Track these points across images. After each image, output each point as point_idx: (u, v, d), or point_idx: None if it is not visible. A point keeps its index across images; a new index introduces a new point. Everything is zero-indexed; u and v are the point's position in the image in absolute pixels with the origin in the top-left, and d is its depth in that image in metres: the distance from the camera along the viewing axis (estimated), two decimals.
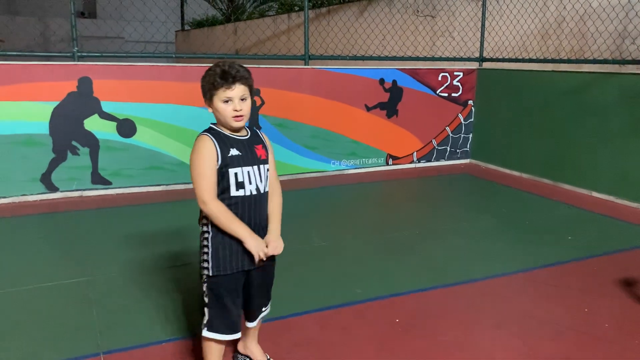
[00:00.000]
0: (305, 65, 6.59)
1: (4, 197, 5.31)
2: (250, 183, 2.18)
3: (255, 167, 2.20)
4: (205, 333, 2.26)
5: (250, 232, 2.15)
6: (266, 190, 2.26)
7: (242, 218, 2.17)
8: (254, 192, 2.19)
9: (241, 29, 15.47)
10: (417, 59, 7.59)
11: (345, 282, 3.57)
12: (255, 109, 6.23)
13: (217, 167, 2.12)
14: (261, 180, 2.22)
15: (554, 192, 5.98)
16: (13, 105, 5.23)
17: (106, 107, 5.58)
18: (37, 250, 4.14)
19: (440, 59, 7.63)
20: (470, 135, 7.56)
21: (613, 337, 2.91)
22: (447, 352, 2.75)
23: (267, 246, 2.20)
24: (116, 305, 3.24)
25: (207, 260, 2.20)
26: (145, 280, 3.60)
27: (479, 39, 7.71)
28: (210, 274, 2.20)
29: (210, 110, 2.20)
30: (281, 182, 2.41)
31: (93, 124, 5.55)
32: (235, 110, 2.13)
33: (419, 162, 7.35)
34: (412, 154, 7.29)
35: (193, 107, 5.92)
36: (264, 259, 2.18)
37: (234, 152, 2.15)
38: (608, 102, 5.70)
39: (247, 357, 2.58)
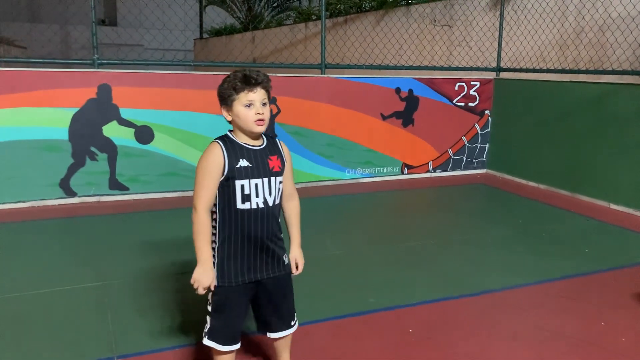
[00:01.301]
0: (321, 74, 6.62)
1: (24, 202, 5.39)
2: (257, 196, 2.13)
3: (266, 179, 2.15)
4: (205, 341, 2.25)
5: (205, 260, 2.12)
6: (276, 203, 2.20)
7: (248, 231, 2.14)
8: (261, 206, 2.13)
9: (259, 37, 15.60)
10: (434, 68, 7.59)
11: (359, 291, 3.56)
12: (271, 117, 6.25)
13: (223, 177, 2.10)
14: (270, 194, 2.16)
15: (571, 204, 5.92)
16: (34, 111, 5.33)
17: (125, 113, 5.65)
18: (55, 255, 4.20)
19: (457, 68, 7.62)
20: (487, 145, 7.52)
21: (630, 351, 2.87)
22: (460, 353, 2.72)
23: (296, 265, 2.31)
24: (131, 310, 3.26)
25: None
26: (160, 286, 3.63)
27: (497, 49, 7.68)
28: (217, 284, 2.19)
29: (228, 117, 2.16)
30: (298, 190, 2.40)
31: (111, 131, 5.63)
32: (258, 114, 2.09)
33: (434, 171, 7.32)
34: (428, 163, 7.27)
35: (210, 115, 5.97)
36: (199, 293, 2.14)
37: (242, 163, 2.11)
38: (627, 114, 5.64)
39: None
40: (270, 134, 2.27)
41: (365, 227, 5.16)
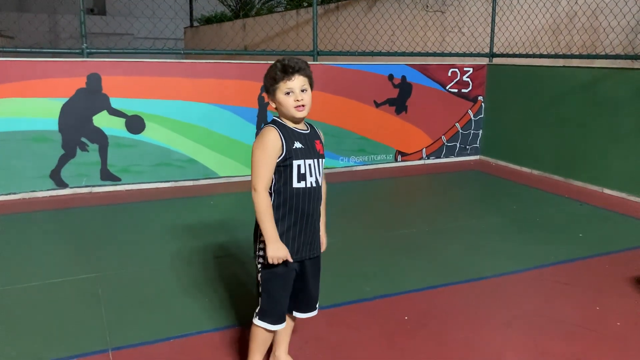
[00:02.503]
0: (314, 61, 6.56)
1: (14, 193, 5.34)
2: (311, 175, 2.24)
3: (316, 160, 2.26)
4: (256, 321, 2.30)
5: (276, 238, 2.17)
6: (321, 183, 2.31)
7: (302, 210, 2.22)
8: (314, 185, 2.25)
9: (250, 25, 15.46)
10: (427, 54, 7.54)
11: (354, 280, 3.55)
12: (264, 105, 6.21)
13: (281, 158, 2.17)
14: (320, 174, 2.28)
15: (565, 189, 5.92)
16: (23, 102, 5.25)
17: (115, 103, 5.59)
18: (47, 247, 4.16)
19: (450, 54, 7.58)
20: (480, 132, 7.51)
21: (625, 335, 2.88)
22: (457, 350, 2.72)
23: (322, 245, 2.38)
24: (125, 301, 3.24)
25: (262, 249, 2.23)
26: (153, 276, 3.60)
27: (489, 35, 7.64)
28: (265, 262, 2.23)
29: (273, 105, 2.25)
30: None
31: (102, 121, 5.57)
32: (297, 101, 2.18)
33: (428, 158, 7.30)
34: (421, 150, 7.25)
35: (202, 104, 5.91)
36: (275, 262, 2.19)
37: (297, 144, 2.21)
38: (620, 98, 5.63)
39: None
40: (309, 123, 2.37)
41: (360, 215, 5.15)
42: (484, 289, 3.45)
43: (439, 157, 7.37)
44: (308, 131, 2.32)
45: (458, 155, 7.47)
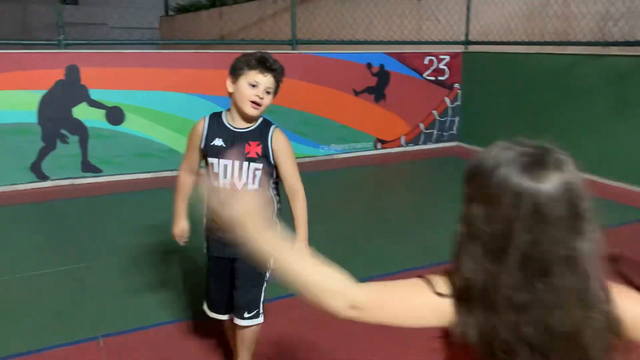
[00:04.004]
0: (292, 50, 6.61)
1: None
2: (225, 177, 2.13)
3: (237, 162, 2.12)
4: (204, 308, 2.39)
5: (177, 216, 2.32)
6: (249, 188, 2.11)
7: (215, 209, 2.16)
8: (227, 187, 2.15)
9: (227, 13, 15.36)
10: (404, 42, 7.63)
11: (337, 263, 3.64)
12: None
13: (201, 149, 2.19)
14: (240, 177, 2.12)
15: None
16: (0, 94, 5.21)
17: (94, 94, 5.58)
18: (31, 239, 4.17)
19: (427, 42, 7.68)
20: (457, 118, 7.64)
21: None
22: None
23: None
24: (113, 290, 3.29)
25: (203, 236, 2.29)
26: (140, 265, 3.65)
27: (465, 22, 7.76)
28: (204, 249, 2.32)
29: (230, 89, 2.12)
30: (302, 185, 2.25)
31: (81, 112, 5.55)
32: (257, 96, 2.06)
33: (407, 145, 7.42)
34: (400, 137, 7.37)
35: (181, 94, 5.93)
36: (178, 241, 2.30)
37: (217, 142, 2.13)
38: (592, 84, 5.80)
39: None
40: (269, 121, 2.22)
41: (341, 201, 5.24)
42: None
43: (418, 144, 7.49)
44: (246, 130, 2.15)
45: (436, 142, 7.60)
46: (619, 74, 5.52)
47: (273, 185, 2.23)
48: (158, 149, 5.95)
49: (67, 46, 5.54)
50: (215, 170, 2.14)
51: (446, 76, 7.45)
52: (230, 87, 2.12)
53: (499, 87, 6.92)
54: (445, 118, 7.58)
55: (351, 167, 6.52)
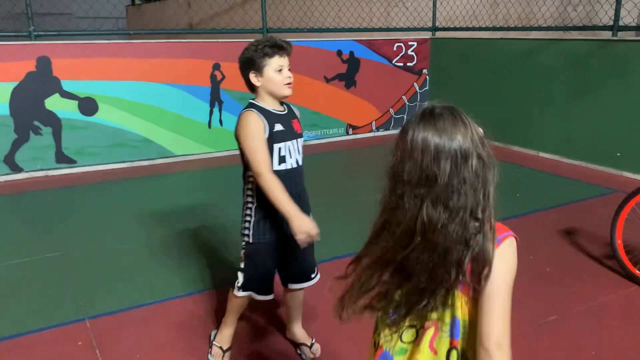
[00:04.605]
0: (264, 37, 6.67)
1: None
2: (290, 157, 2.27)
3: (295, 140, 2.28)
4: (238, 293, 2.39)
5: (297, 212, 2.14)
6: (301, 163, 2.34)
7: (289, 190, 2.20)
8: (294, 165, 2.28)
9: (196, 2, 15.25)
10: (373, 30, 7.77)
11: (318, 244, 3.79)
12: (216, 83, 6.32)
13: (267, 139, 2.20)
14: (299, 153, 2.31)
15: (505, 154, 6.33)
16: None
17: (66, 86, 5.58)
18: (7, 230, 4.22)
19: (395, 29, 7.84)
20: (426, 104, 7.81)
21: (554, 278, 3.25)
22: None
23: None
24: (94, 274, 3.39)
25: (248, 228, 2.31)
26: (118, 250, 3.75)
27: (432, 9, 7.93)
28: (250, 241, 2.32)
29: (258, 83, 2.23)
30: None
31: (54, 104, 5.56)
32: (288, 77, 2.24)
33: (377, 130, 7.59)
34: (371, 123, 7.53)
35: (154, 84, 5.97)
36: (313, 239, 2.19)
37: (278, 127, 2.22)
38: (553, 67, 6.04)
39: (292, 341, 2.65)
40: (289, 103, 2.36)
41: (315, 185, 5.33)
42: None
43: (388, 129, 7.67)
44: (285, 112, 2.31)
45: None
46: (578, 57, 5.77)
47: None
48: (132, 139, 6.00)
49: (37, 37, 5.52)
50: (283, 153, 2.24)
51: (414, 62, 7.63)
52: (257, 81, 2.23)
53: (466, 72, 7.13)
54: (415, 103, 7.77)
55: (324, 153, 6.65)
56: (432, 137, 1.16)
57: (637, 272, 3.18)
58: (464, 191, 1.16)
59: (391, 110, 7.63)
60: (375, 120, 7.54)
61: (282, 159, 2.24)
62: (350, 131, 7.39)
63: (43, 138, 5.56)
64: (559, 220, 4.21)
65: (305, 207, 2.31)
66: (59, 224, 4.31)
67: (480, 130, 1.21)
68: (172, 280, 3.29)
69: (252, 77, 2.24)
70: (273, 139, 2.20)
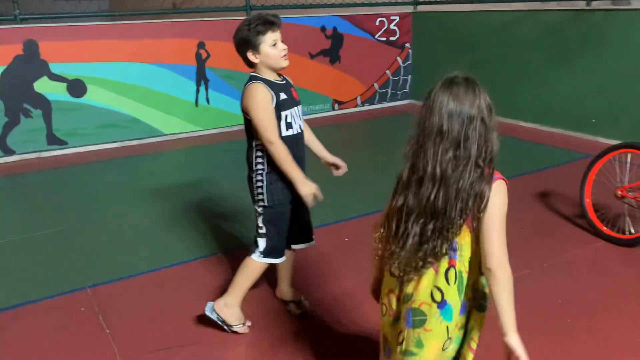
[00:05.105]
0: (247, 16, 6.75)
1: None
2: (295, 123, 2.42)
3: (296, 108, 2.44)
4: (261, 259, 2.48)
5: (303, 177, 2.36)
6: (303, 128, 2.53)
7: (296, 154, 2.39)
8: (299, 131, 2.45)
9: None
10: (355, 5, 7.85)
11: None
12: (201, 62, 6.41)
13: (275, 108, 2.33)
14: (300, 119, 2.48)
15: None
16: None
17: (54, 68, 5.66)
18: (3, 210, 4.35)
19: (377, 4, 7.92)
20: (409, 77, 7.98)
21: (527, 237, 3.46)
22: None
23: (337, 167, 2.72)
24: (91, 247, 3.56)
25: (262, 193, 2.43)
26: (113, 225, 3.92)
27: None
28: (267, 204, 2.44)
29: (256, 60, 2.34)
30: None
31: (43, 86, 5.65)
32: (284, 50, 2.35)
33: (363, 105, 7.73)
34: (356, 98, 7.67)
35: (141, 64, 6.06)
36: (318, 200, 2.41)
37: (283, 95, 2.36)
38: (532, 38, 6.20)
39: (281, 299, 2.82)
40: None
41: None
42: None
43: (373, 104, 7.81)
44: (284, 82, 2.44)
45: (390, 101, 7.93)
46: (555, 27, 5.93)
47: None
48: (121, 119, 6.10)
49: (23, 20, 5.58)
50: (289, 120, 2.39)
51: (397, 36, 7.74)
52: (255, 58, 2.35)
53: (447, 44, 7.26)
54: (398, 77, 7.90)
55: (311, 129, 6.79)
56: (446, 101, 1.48)
57: (604, 228, 3.39)
58: (468, 145, 1.47)
59: (375, 85, 7.76)
60: (360, 95, 7.68)
61: (289, 125, 2.39)
62: (336, 106, 7.53)
63: (34, 121, 5.66)
64: (534, 184, 4.41)
65: (303, 168, 2.48)
66: (53, 203, 4.45)
67: (488, 100, 1.53)
68: (167, 250, 3.46)
69: (250, 56, 2.35)
70: (280, 107, 2.34)
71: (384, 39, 7.65)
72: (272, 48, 2.32)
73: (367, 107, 7.75)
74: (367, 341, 2.48)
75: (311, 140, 2.64)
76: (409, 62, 7.93)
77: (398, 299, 1.63)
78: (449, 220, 1.50)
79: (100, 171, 5.32)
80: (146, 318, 2.73)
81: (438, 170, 1.48)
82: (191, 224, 3.87)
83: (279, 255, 2.53)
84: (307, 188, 2.38)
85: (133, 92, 6.10)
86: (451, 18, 7.22)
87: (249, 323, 2.61)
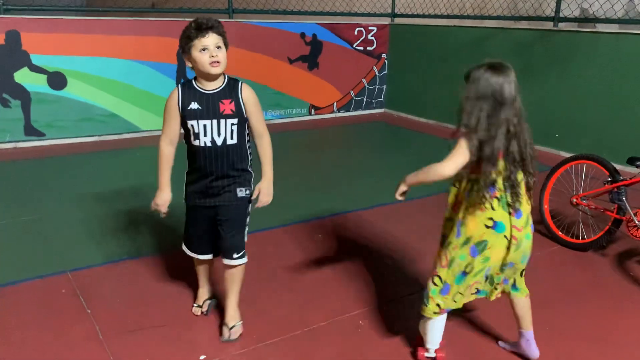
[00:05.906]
0: (229, 19, 6.90)
1: None
2: (205, 135, 2.34)
3: (215, 120, 2.33)
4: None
5: (161, 186, 2.47)
6: (229, 143, 2.37)
7: (198, 163, 2.39)
8: (209, 144, 2.35)
9: None
10: (335, 14, 8.06)
11: (279, 210, 4.05)
12: (183, 62, 6.50)
13: (181, 115, 2.35)
14: (219, 134, 2.34)
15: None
16: None
17: (36, 60, 5.70)
18: None
19: (356, 14, 8.15)
20: (385, 87, 8.21)
21: None
22: (356, 247, 3.40)
23: (259, 192, 2.53)
24: (68, 235, 3.64)
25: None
26: (90, 215, 3.99)
27: None
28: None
29: (189, 64, 2.35)
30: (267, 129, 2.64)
31: (23, 77, 5.68)
32: (212, 57, 2.28)
33: (339, 111, 7.93)
34: (333, 104, 7.86)
35: (122, 60, 6.13)
36: (159, 211, 2.49)
37: (193, 106, 2.32)
38: (502, 54, 6.43)
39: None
40: (235, 78, 2.45)
41: (279, 162, 5.64)
42: (384, 213, 4.15)
43: (349, 111, 8.01)
44: (217, 90, 2.36)
45: (365, 109, 8.15)
46: (524, 45, 6.23)
47: (247, 139, 2.47)
48: (100, 114, 6.16)
49: (6, 11, 5.61)
50: (196, 130, 2.34)
51: (374, 46, 7.98)
52: (189, 63, 2.35)
53: (422, 57, 7.52)
54: (374, 86, 8.13)
55: (287, 132, 6.95)
56: (482, 76, 2.21)
57: (560, 234, 3.63)
58: (495, 110, 2.17)
59: (352, 93, 7.97)
60: (336, 102, 7.88)
61: (195, 136, 2.36)
62: (313, 111, 7.70)
63: (12, 111, 5.68)
64: None
65: (213, 181, 2.42)
66: (30, 192, 4.50)
67: (512, 86, 2.19)
68: (145, 241, 3.56)
69: (185, 60, 2.37)
70: (186, 116, 2.34)
71: (362, 48, 7.87)
72: (200, 53, 2.27)
73: (342, 114, 7.95)
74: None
75: (261, 157, 2.56)
76: (385, 72, 8.16)
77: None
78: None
79: (78, 164, 5.37)
80: (126, 301, 2.84)
81: (483, 124, 2.22)
82: (166, 218, 3.96)
83: (188, 248, 2.64)
84: (156, 197, 2.48)
85: (113, 87, 6.16)
86: (427, 31, 7.49)
87: (204, 308, 2.75)
